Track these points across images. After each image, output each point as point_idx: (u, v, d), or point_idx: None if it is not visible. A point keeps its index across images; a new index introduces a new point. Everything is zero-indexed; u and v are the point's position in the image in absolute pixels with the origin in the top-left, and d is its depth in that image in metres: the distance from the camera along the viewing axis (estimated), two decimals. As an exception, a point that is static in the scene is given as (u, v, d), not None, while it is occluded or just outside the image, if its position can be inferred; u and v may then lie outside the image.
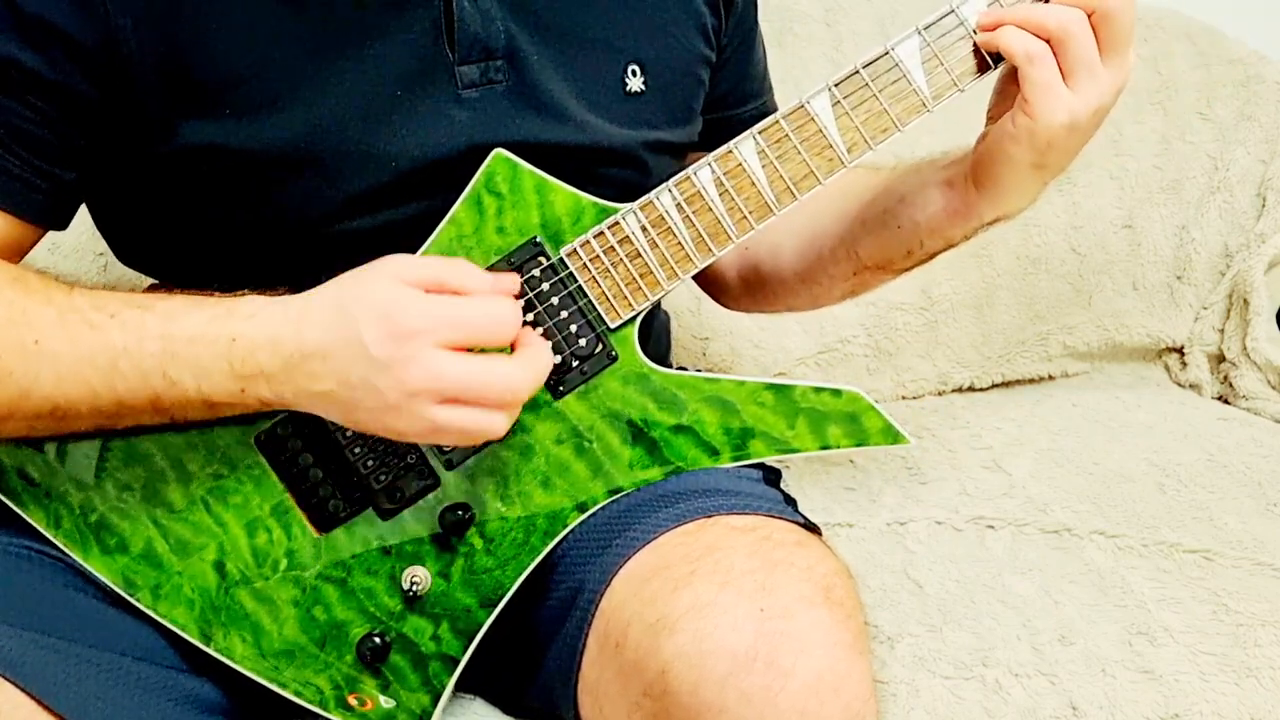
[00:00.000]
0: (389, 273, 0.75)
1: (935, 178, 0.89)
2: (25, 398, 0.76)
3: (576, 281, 0.83)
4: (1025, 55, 0.78)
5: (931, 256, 0.93)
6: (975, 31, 0.81)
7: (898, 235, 0.92)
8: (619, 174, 0.89)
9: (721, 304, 1.12)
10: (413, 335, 0.72)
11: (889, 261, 0.95)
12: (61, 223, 0.83)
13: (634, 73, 0.89)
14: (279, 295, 0.77)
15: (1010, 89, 0.82)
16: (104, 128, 0.79)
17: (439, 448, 0.82)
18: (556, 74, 0.86)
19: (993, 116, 0.86)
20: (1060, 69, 0.78)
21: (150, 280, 0.91)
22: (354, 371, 0.73)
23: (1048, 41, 0.78)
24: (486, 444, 0.82)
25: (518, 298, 0.81)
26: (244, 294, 0.78)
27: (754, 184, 0.82)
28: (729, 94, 1.02)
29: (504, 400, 0.74)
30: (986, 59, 0.81)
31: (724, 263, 0.89)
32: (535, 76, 0.85)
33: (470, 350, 0.74)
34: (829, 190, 0.83)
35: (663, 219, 0.83)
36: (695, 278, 0.86)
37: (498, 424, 0.74)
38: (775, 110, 1.05)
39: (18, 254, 0.82)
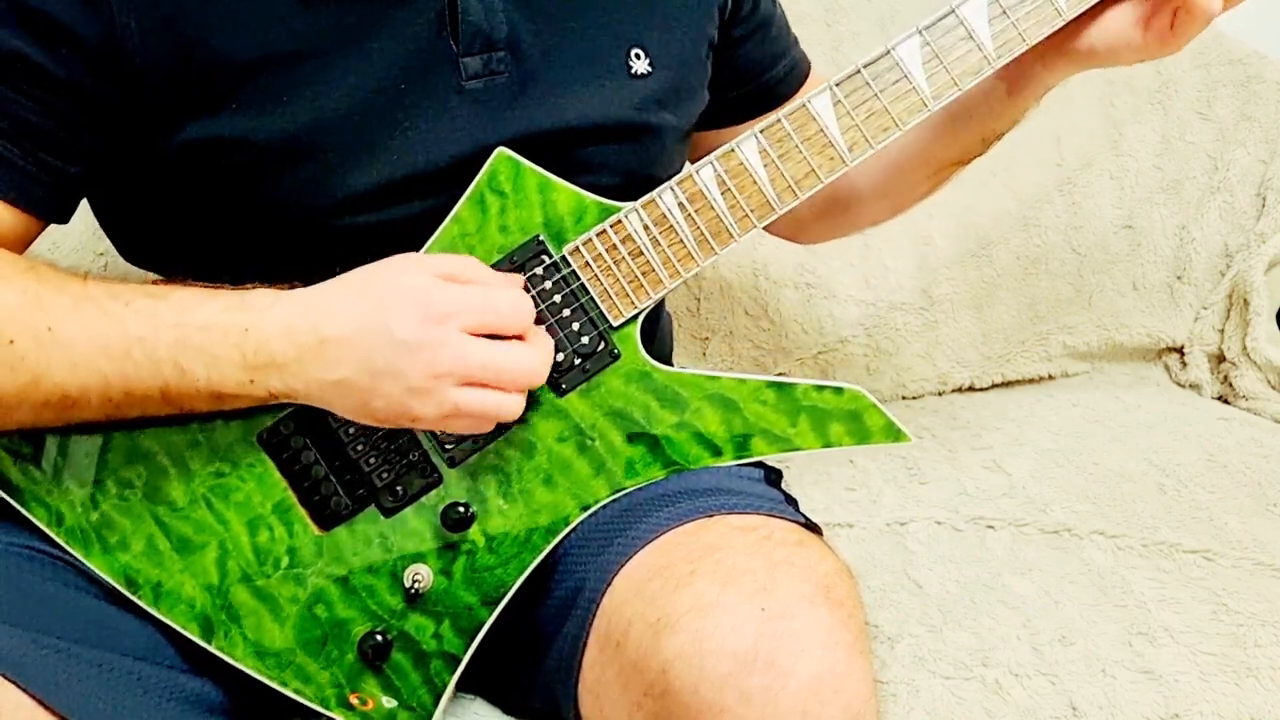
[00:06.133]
0: (409, 264, 0.78)
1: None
2: (36, 385, 0.76)
3: (579, 279, 0.83)
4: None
5: (1003, 135, 0.97)
6: None
7: (969, 128, 0.96)
8: (624, 158, 0.89)
9: (797, 241, 1.16)
10: (444, 319, 0.75)
11: (965, 153, 0.99)
12: (64, 216, 0.83)
13: (638, 55, 0.89)
14: (290, 288, 0.78)
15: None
16: (108, 122, 0.79)
17: (441, 445, 0.82)
18: (559, 62, 0.86)
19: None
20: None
21: (153, 276, 0.91)
22: (377, 356, 0.74)
23: None
24: (489, 439, 0.82)
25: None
26: (255, 286, 0.79)
27: (755, 183, 0.83)
28: (762, 59, 1.04)
29: (520, 383, 0.78)
30: (987, 57, 0.82)
31: None
32: (537, 66, 0.85)
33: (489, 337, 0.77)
34: None
35: (665, 217, 0.83)
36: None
37: (513, 405, 0.78)
38: (804, 59, 1.08)
39: (20, 247, 0.82)
